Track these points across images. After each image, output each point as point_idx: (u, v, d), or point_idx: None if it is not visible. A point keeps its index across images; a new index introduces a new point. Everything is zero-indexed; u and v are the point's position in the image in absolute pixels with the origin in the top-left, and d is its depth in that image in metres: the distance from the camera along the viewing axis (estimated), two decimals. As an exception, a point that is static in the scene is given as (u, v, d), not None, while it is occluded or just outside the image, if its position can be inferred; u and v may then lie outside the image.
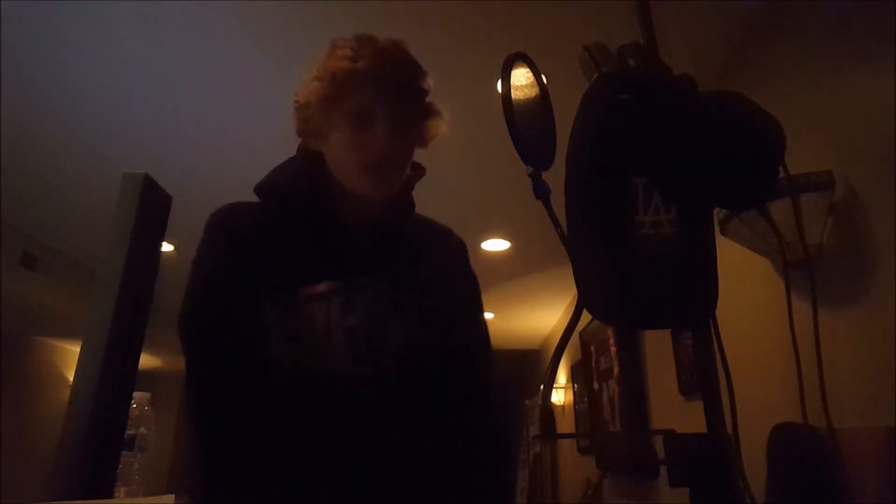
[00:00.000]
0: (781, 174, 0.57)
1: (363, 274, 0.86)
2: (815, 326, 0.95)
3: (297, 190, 0.91)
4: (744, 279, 1.67)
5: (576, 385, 4.36)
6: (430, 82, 0.95)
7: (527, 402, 5.54)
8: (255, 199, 0.93)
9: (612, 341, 3.28)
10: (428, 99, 0.95)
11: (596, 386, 3.65)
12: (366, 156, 0.86)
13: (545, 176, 0.80)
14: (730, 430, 0.56)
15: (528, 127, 0.87)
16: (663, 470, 0.55)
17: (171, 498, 0.48)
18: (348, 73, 0.86)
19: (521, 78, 0.87)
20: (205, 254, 0.88)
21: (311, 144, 0.93)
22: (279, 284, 0.83)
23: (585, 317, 0.55)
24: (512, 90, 0.86)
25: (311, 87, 0.89)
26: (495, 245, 3.55)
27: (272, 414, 0.80)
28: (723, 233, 1.44)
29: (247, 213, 0.90)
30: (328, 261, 0.86)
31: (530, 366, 6.18)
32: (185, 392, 0.85)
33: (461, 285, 1.00)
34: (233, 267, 0.85)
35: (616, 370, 3.21)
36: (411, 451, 0.83)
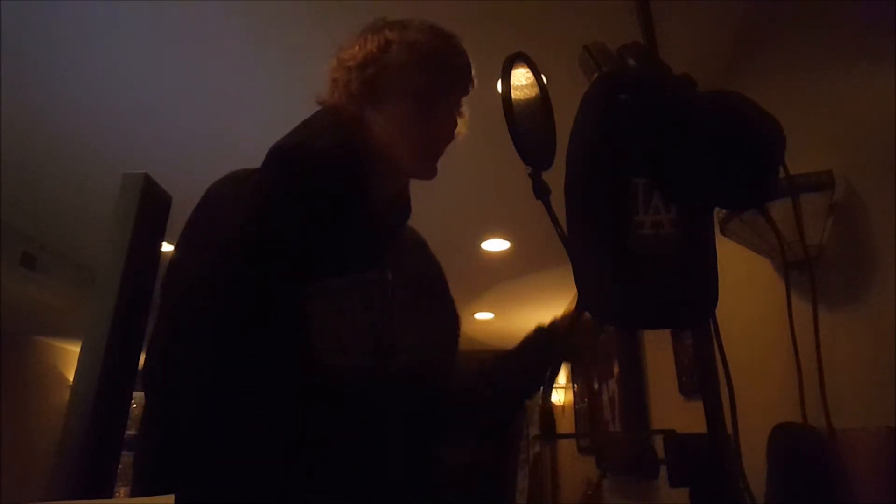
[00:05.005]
0: (781, 174, 0.56)
1: (380, 266, 0.85)
2: (816, 326, 0.95)
3: (337, 162, 0.76)
4: (744, 279, 1.67)
5: (576, 385, 4.36)
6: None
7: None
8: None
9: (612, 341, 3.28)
10: None
11: (596, 386, 3.65)
12: (432, 136, 0.86)
13: (545, 176, 0.80)
14: (730, 430, 0.56)
15: (528, 127, 0.87)
16: (663, 470, 0.55)
17: (171, 498, 0.48)
18: (433, 51, 0.84)
19: (521, 78, 0.87)
20: (211, 228, 0.77)
21: (352, 110, 0.84)
22: (304, 266, 0.73)
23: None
24: (512, 90, 0.86)
25: (384, 50, 0.83)
26: (495, 245, 3.55)
27: (305, 405, 0.75)
28: (723, 233, 1.44)
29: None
30: (355, 243, 0.79)
31: (530, 366, 6.17)
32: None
33: (442, 278, 1.02)
34: (255, 241, 0.71)
35: (616, 370, 3.21)
36: (424, 443, 0.86)
